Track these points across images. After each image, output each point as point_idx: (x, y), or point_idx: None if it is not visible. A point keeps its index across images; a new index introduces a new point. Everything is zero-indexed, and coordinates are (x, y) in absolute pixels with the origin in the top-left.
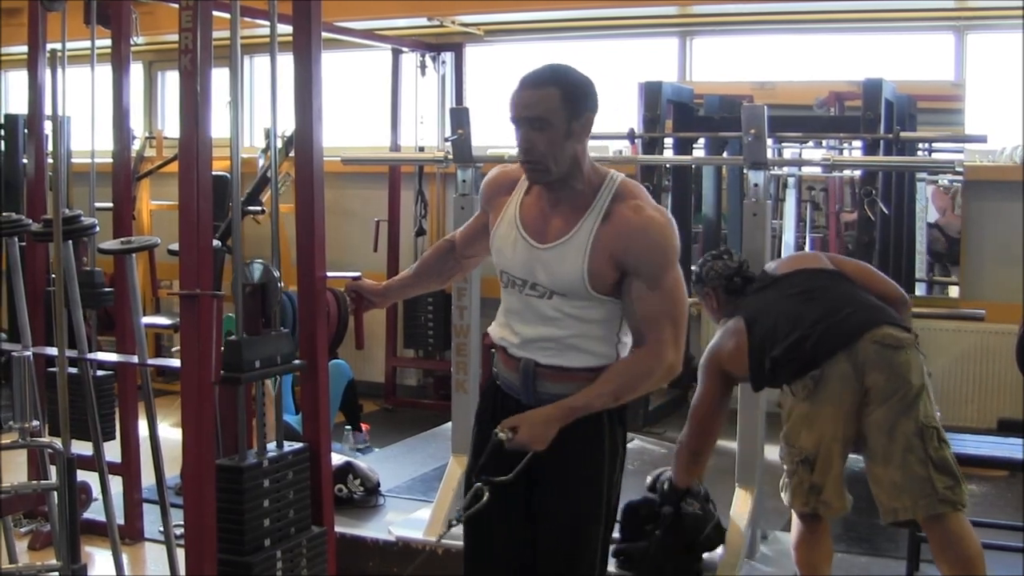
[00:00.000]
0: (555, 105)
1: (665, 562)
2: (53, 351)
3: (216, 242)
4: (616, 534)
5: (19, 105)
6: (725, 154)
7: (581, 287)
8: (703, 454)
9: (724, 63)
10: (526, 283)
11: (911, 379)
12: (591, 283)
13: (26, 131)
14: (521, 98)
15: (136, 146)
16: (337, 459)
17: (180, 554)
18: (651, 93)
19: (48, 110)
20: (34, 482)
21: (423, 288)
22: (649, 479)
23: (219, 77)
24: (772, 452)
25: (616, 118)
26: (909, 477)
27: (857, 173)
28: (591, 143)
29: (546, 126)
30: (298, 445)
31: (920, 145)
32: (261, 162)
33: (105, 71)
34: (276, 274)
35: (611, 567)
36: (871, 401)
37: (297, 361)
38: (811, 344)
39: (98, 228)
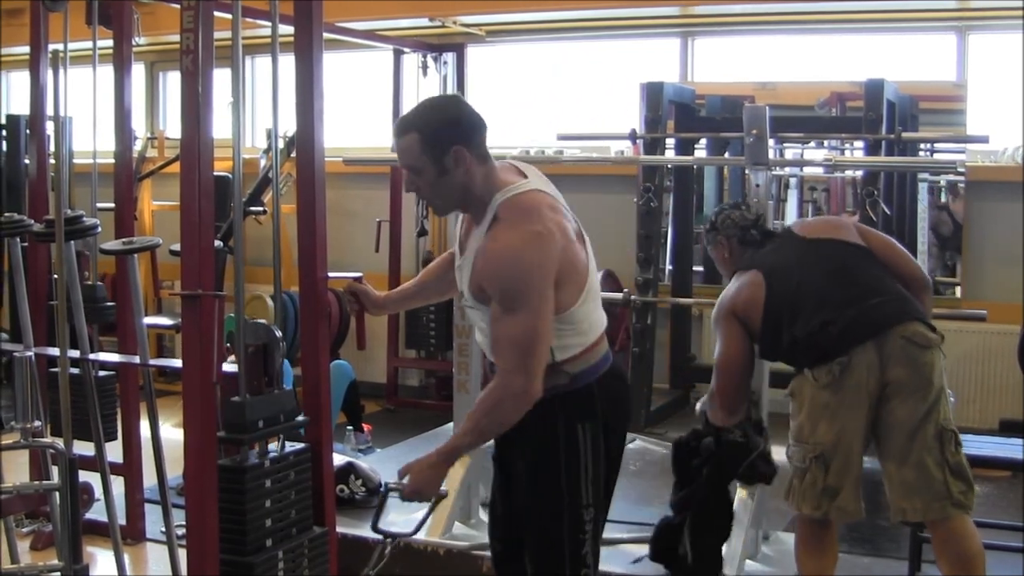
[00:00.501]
0: (418, 150)
1: (709, 496)
2: (55, 351)
3: (218, 242)
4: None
5: (21, 106)
6: (727, 154)
7: (477, 300)
8: (736, 406)
9: (726, 63)
10: (461, 294)
11: (933, 380)
12: (478, 298)
13: (28, 132)
14: (395, 146)
15: (138, 146)
16: (339, 459)
17: (182, 554)
18: (653, 93)
19: (50, 111)
20: (36, 482)
21: (424, 300)
22: (698, 406)
23: (221, 77)
24: (773, 452)
25: (618, 118)
26: (924, 479)
27: (859, 173)
28: (593, 143)
29: (419, 171)
30: (300, 445)
31: (922, 145)
32: (263, 162)
33: (107, 71)
34: (278, 335)
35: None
36: (891, 396)
37: (300, 418)
38: (838, 330)
39: (100, 228)
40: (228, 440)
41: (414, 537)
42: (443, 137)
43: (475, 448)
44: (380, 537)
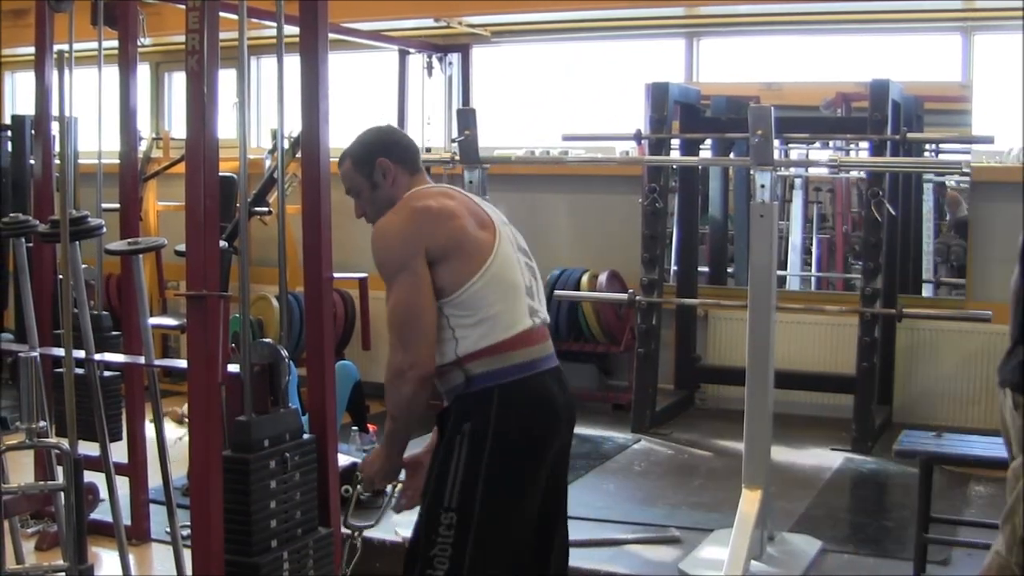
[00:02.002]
0: (352, 174)
1: None
2: (60, 352)
3: (223, 243)
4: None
5: (26, 106)
6: (732, 155)
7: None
8: None
9: (731, 64)
10: None
11: None
12: None
13: (33, 132)
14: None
15: (143, 147)
16: (344, 460)
17: (187, 555)
18: (658, 94)
19: (55, 111)
20: (41, 483)
21: None
22: None
23: (226, 78)
24: (779, 453)
25: (623, 119)
26: None
27: (864, 174)
28: (598, 144)
29: (358, 192)
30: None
31: (927, 146)
32: (268, 163)
33: (112, 72)
34: (283, 353)
35: None
36: None
37: (306, 436)
38: None
39: (105, 229)
40: (234, 460)
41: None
42: (368, 153)
43: (404, 431)
44: (385, 539)
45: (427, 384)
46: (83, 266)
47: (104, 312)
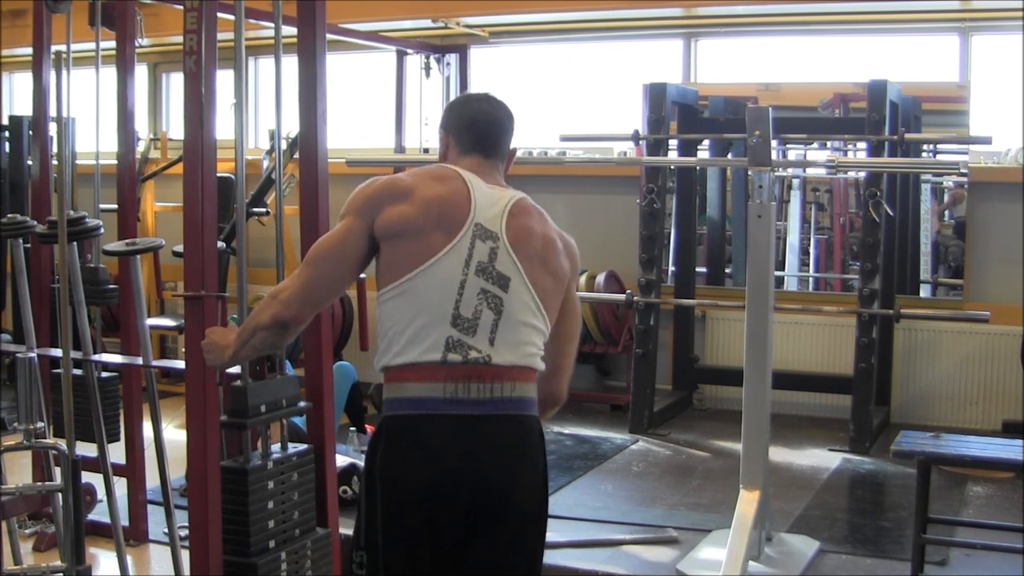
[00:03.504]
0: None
1: None
2: (58, 352)
3: (220, 243)
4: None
5: (24, 107)
6: (730, 155)
7: None
8: None
9: (729, 64)
10: None
11: None
12: None
13: (31, 133)
14: None
15: (141, 147)
16: (342, 461)
17: (185, 556)
18: (656, 94)
19: (53, 112)
20: (39, 483)
21: None
22: None
23: (223, 79)
24: (777, 453)
25: (621, 120)
26: None
27: (862, 175)
28: (596, 144)
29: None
30: (303, 447)
31: (925, 146)
32: (266, 164)
33: (110, 73)
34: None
35: None
36: None
37: (302, 403)
38: None
39: (103, 229)
40: (230, 425)
41: None
42: (440, 121)
43: (245, 349)
44: None
45: (279, 327)
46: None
47: (101, 266)
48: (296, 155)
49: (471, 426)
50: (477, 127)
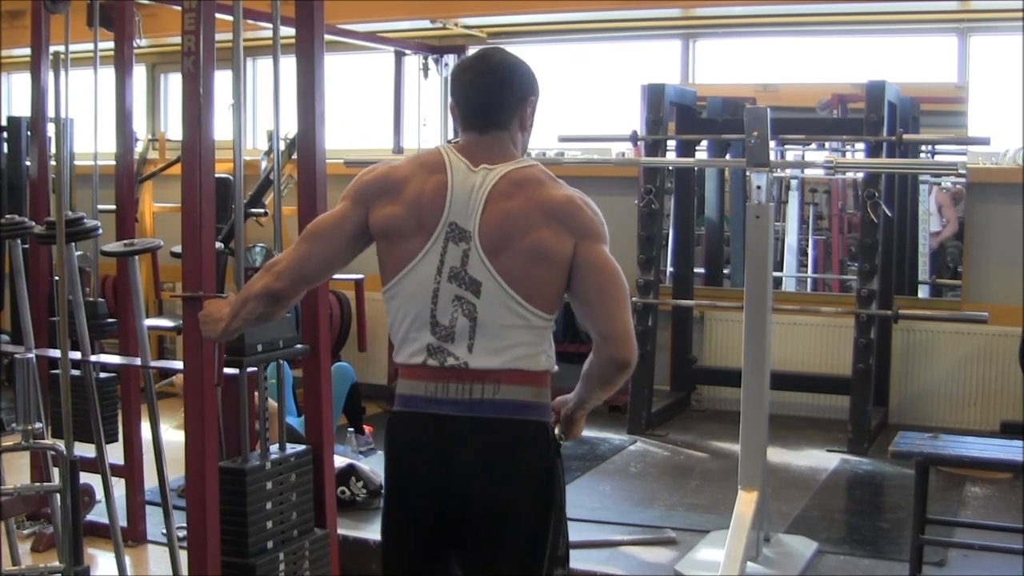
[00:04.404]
0: None
1: None
2: (56, 353)
3: (219, 244)
4: None
5: (22, 107)
6: (728, 156)
7: None
8: None
9: (727, 65)
10: None
11: None
12: None
13: (29, 133)
14: None
15: (139, 148)
16: (340, 461)
17: (183, 556)
18: (654, 95)
19: (51, 112)
20: (37, 484)
21: None
22: None
23: (222, 79)
24: (775, 454)
25: (619, 120)
26: None
27: (860, 175)
28: (594, 145)
29: None
30: (301, 447)
31: (923, 147)
32: (264, 164)
33: (108, 73)
34: (276, 256)
35: None
36: None
37: (299, 346)
38: None
39: (101, 230)
40: (229, 364)
41: None
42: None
43: (238, 319)
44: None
45: (270, 298)
46: (77, 253)
47: (100, 299)
48: (294, 156)
49: (446, 426)
50: (468, 101)
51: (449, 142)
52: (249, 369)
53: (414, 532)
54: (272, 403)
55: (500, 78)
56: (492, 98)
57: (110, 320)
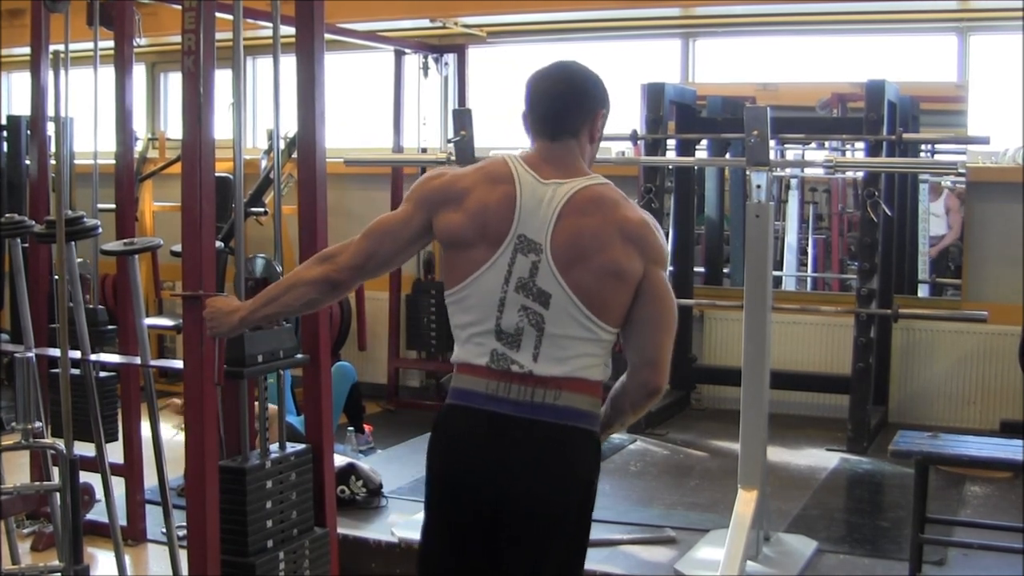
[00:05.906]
0: None
1: None
2: (56, 352)
3: (219, 243)
4: None
5: (22, 106)
6: (728, 155)
7: None
8: None
9: (727, 64)
10: None
11: None
12: None
13: (29, 132)
14: None
15: (139, 147)
16: (340, 460)
17: (183, 555)
18: (654, 94)
19: (51, 111)
20: (37, 483)
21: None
22: None
23: (222, 78)
24: (775, 453)
25: (619, 119)
26: None
27: (860, 174)
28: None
29: None
30: (301, 446)
31: (923, 146)
32: (264, 163)
33: (108, 72)
34: (278, 269)
35: None
36: None
37: (299, 356)
38: None
39: (101, 229)
40: (229, 374)
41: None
42: None
43: (273, 306)
44: (381, 539)
45: (329, 285)
46: (78, 259)
47: (100, 307)
48: (294, 155)
49: (503, 425)
50: (541, 107)
51: (450, 141)
52: None
53: (455, 519)
54: (272, 407)
55: (574, 86)
56: (565, 105)
57: (110, 327)
